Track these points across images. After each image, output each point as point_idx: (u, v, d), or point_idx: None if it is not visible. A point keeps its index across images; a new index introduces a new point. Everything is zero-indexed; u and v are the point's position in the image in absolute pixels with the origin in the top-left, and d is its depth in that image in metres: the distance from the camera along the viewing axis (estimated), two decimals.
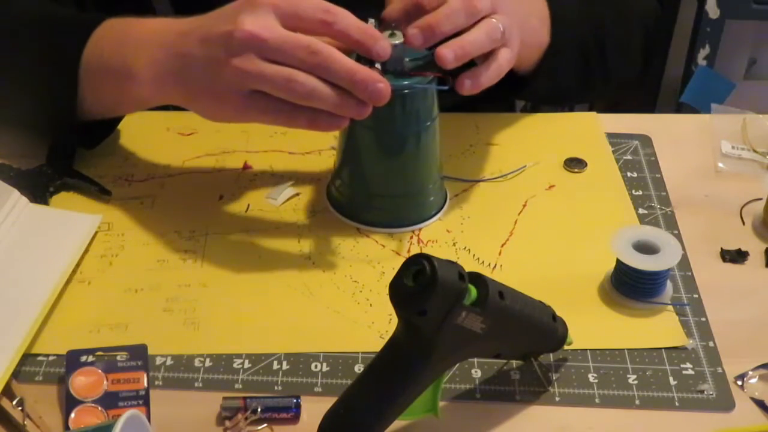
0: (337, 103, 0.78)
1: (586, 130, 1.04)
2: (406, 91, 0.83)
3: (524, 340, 0.74)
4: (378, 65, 0.80)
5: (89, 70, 0.88)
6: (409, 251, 0.88)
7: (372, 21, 0.82)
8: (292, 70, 0.77)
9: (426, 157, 0.89)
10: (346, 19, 0.79)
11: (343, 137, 0.89)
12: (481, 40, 0.82)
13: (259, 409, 0.73)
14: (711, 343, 0.80)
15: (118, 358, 0.76)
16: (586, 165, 0.98)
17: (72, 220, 0.89)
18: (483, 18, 0.82)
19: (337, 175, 0.92)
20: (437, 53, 0.79)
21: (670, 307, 0.83)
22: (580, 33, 1.01)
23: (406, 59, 0.83)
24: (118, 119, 0.97)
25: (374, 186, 0.90)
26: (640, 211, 0.94)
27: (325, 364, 0.78)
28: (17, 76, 0.91)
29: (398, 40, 0.81)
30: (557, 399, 0.76)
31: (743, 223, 0.93)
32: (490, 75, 0.83)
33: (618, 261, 0.82)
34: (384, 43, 0.80)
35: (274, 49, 0.77)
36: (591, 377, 0.77)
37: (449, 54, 0.80)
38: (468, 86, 0.83)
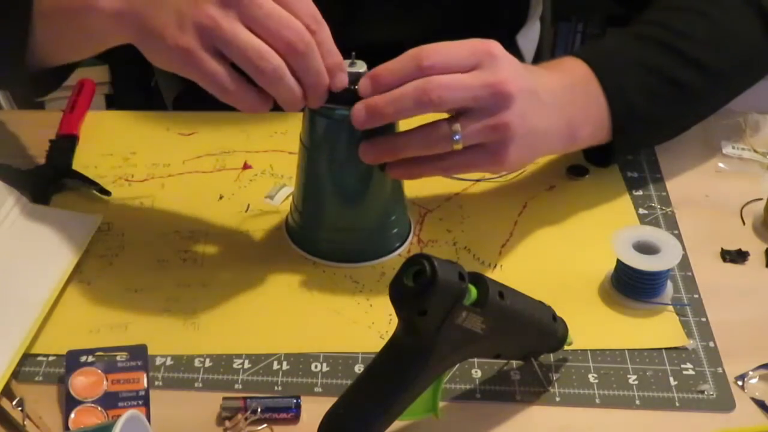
0: (292, 96, 0.76)
1: None
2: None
3: (524, 341, 0.74)
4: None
5: (43, 7, 0.84)
6: (409, 251, 0.88)
7: (353, 55, 0.80)
8: (266, 46, 0.74)
9: (382, 188, 0.85)
10: (325, 35, 0.77)
11: (298, 167, 0.85)
12: (414, 138, 0.79)
13: (259, 410, 0.73)
14: (711, 343, 0.80)
15: (118, 358, 0.76)
16: (587, 172, 0.97)
17: (72, 220, 0.89)
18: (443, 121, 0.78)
19: (294, 204, 0.88)
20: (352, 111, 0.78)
21: (671, 307, 0.83)
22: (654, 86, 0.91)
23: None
24: (68, 71, 0.94)
25: (329, 219, 0.86)
26: (640, 211, 0.94)
27: (325, 364, 0.78)
28: None
29: (360, 69, 0.79)
30: (557, 399, 0.76)
31: (743, 223, 0.93)
32: (428, 170, 0.81)
33: (618, 261, 0.82)
34: (343, 77, 0.77)
35: (260, 17, 0.74)
36: (591, 377, 0.77)
37: (361, 113, 0.77)
38: (398, 174, 0.82)
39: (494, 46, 0.80)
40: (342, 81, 0.78)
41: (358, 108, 0.77)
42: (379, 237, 0.87)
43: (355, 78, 0.79)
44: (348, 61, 0.79)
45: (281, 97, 0.76)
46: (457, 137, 0.78)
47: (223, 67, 0.75)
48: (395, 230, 0.88)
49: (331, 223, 0.86)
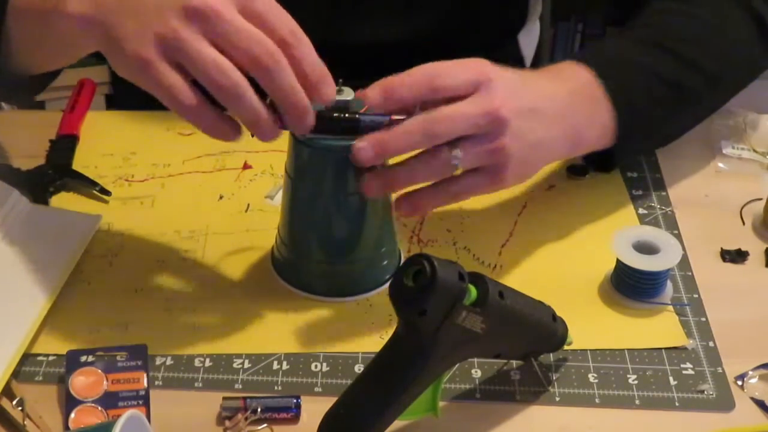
0: (254, 116, 0.72)
1: None
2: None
3: (524, 340, 0.74)
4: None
5: (16, 10, 0.83)
6: (409, 251, 0.88)
7: (341, 81, 0.76)
8: (228, 62, 0.71)
9: (373, 220, 0.82)
10: (306, 48, 0.73)
11: (284, 197, 0.83)
12: (415, 167, 0.77)
13: (259, 409, 0.73)
14: (711, 343, 0.80)
15: (118, 358, 0.76)
16: (587, 172, 0.97)
17: (72, 220, 0.89)
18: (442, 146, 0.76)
19: (279, 237, 0.85)
20: (353, 148, 0.75)
21: (670, 307, 0.83)
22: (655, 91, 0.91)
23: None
24: (49, 79, 0.93)
25: (316, 254, 0.83)
26: (640, 211, 0.94)
27: (325, 364, 0.78)
28: None
29: (347, 96, 0.75)
30: (557, 399, 0.76)
31: (743, 223, 0.93)
32: (434, 200, 0.79)
33: (618, 261, 0.82)
34: (331, 90, 0.74)
35: (227, 32, 0.71)
36: (591, 377, 0.77)
37: (368, 151, 0.75)
38: (405, 209, 0.80)
39: (490, 69, 0.79)
40: (329, 93, 0.74)
41: (364, 146, 0.75)
42: (369, 270, 0.84)
43: (343, 105, 0.75)
44: (335, 88, 0.75)
45: (242, 117, 0.73)
46: (455, 162, 0.77)
47: (181, 81, 0.72)
48: (385, 262, 0.85)
49: (319, 258, 0.83)
